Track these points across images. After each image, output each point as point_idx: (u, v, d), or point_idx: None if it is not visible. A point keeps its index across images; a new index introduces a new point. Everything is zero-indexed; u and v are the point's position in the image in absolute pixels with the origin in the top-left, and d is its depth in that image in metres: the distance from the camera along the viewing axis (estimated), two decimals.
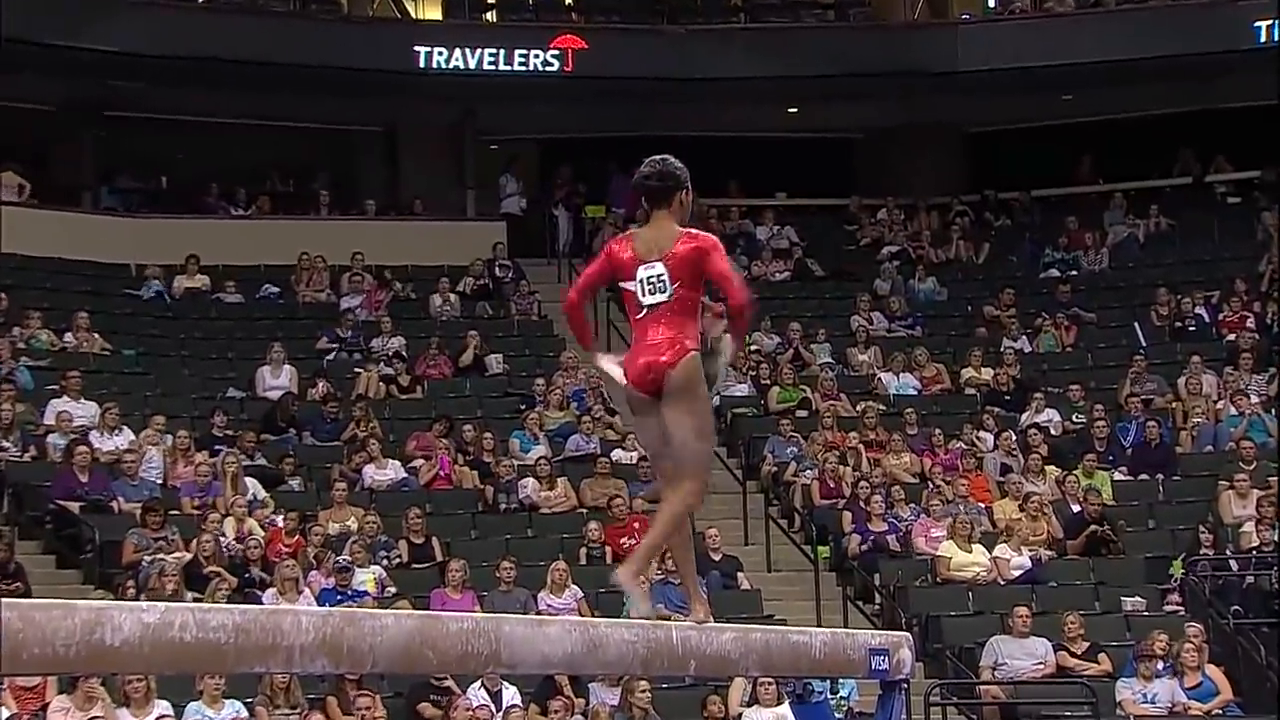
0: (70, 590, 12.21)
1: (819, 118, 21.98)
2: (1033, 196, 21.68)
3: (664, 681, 11.34)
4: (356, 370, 16.74)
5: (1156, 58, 19.98)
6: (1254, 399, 16.05)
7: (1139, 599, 13.48)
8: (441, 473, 14.77)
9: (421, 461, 14.90)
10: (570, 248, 20.73)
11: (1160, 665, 12.01)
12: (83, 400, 14.90)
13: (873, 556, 13.99)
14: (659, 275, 4.67)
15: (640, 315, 4.71)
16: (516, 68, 20.36)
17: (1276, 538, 13.56)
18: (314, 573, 12.46)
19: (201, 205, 20.25)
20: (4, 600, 2.85)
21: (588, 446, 15.40)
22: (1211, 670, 12.12)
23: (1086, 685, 11.90)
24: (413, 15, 20.80)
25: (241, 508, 13.31)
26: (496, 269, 19.32)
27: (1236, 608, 12.96)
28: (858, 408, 16.25)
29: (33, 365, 15.60)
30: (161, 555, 12.39)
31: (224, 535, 12.91)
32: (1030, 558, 13.72)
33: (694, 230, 4.78)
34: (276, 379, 16.28)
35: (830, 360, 17.57)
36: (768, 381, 16.83)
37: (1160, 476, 15.34)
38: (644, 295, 4.69)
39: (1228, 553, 13.81)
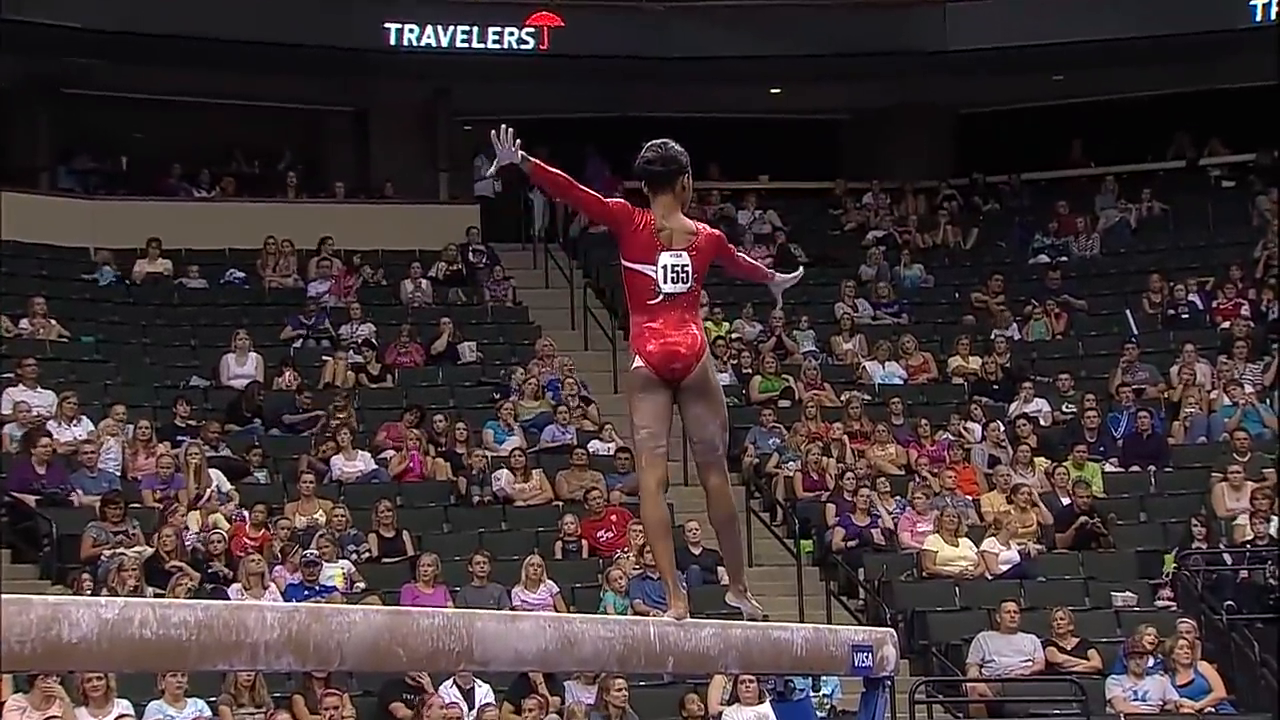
0: (26, 586, 12.14)
1: (803, 98, 21.99)
2: (1022, 180, 21.73)
3: (642, 679, 11.36)
4: (325, 358, 16.70)
5: (1150, 37, 20.04)
6: (1248, 388, 16.12)
7: (1130, 594, 13.55)
8: (412, 465, 14.75)
9: (392, 453, 14.88)
10: (546, 232, 20.72)
11: (1150, 662, 12.07)
12: (39, 389, 14.84)
13: (857, 550, 14.03)
14: (684, 265, 4.89)
15: (655, 301, 4.89)
16: (491, 46, 20.32)
17: (1271, 531, 13.63)
18: (279, 568, 12.43)
19: (163, 187, 20.16)
20: None
21: (564, 437, 15.40)
22: (1204, 667, 12.19)
23: (1076, 683, 11.95)
24: None
25: (205, 501, 13.28)
26: (470, 254, 19.29)
27: (1230, 603, 13.02)
28: (842, 397, 16.28)
29: None
30: (121, 550, 12.35)
31: (187, 529, 12.87)
32: (1019, 552, 13.77)
33: (700, 223, 5.06)
34: (242, 367, 16.23)
35: (814, 349, 17.60)
36: (749, 370, 16.85)
37: (1152, 468, 15.40)
38: (665, 282, 4.88)
39: (1221, 546, 13.88)
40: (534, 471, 14.67)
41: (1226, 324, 17.54)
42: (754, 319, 17.89)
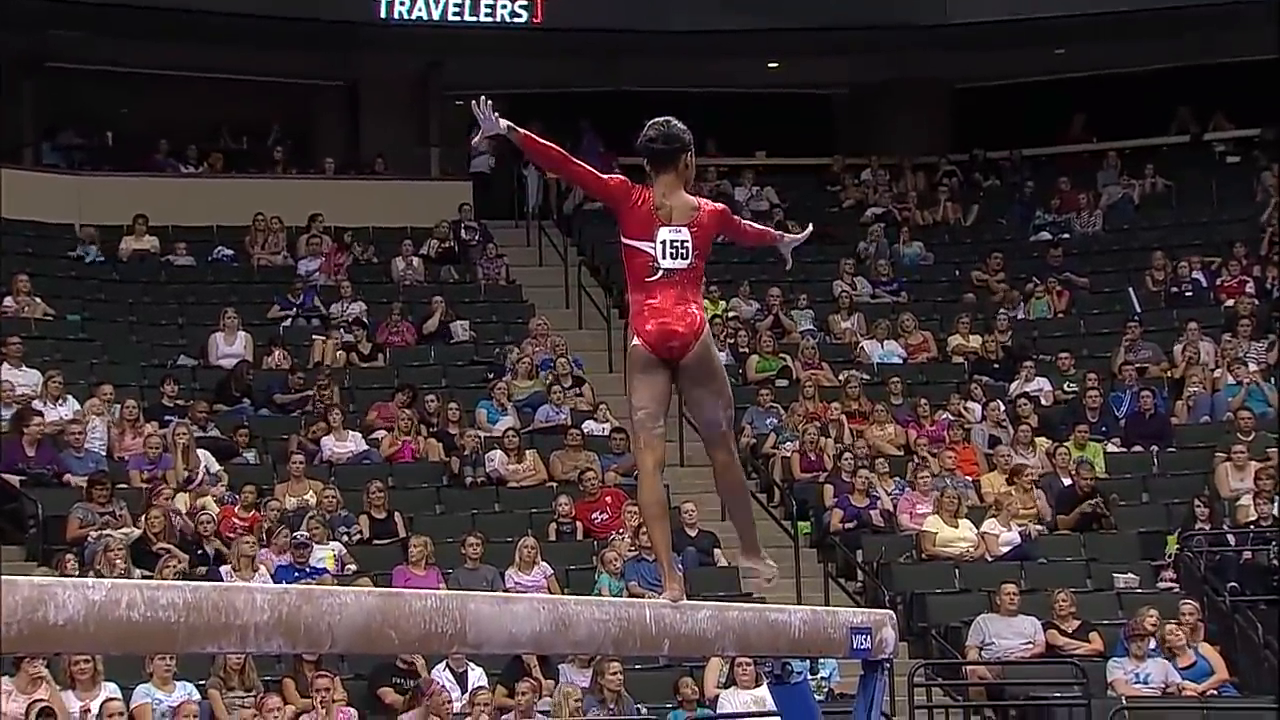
0: (12, 568, 12.14)
1: (801, 73, 21.95)
2: (1023, 155, 21.71)
3: (637, 662, 11.38)
4: (314, 337, 16.68)
5: (1153, 9, 20.02)
6: (1253, 367, 16.13)
7: (1132, 576, 13.57)
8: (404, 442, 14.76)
9: (383, 433, 14.88)
10: (540, 209, 20.69)
11: (1152, 644, 12.09)
12: (24, 368, 14.81)
13: (855, 532, 14.04)
14: (684, 241, 4.92)
15: (653, 278, 4.92)
16: (483, 18, 20.27)
17: (1275, 511, 13.64)
18: (266, 550, 12.42)
19: (150, 163, 20.10)
20: None
21: (558, 417, 15.40)
22: (1206, 649, 12.21)
23: (1077, 665, 11.97)
24: None
25: (197, 484, 13.27)
26: (462, 231, 19.26)
27: (1233, 584, 13.04)
28: (840, 377, 16.28)
29: None
30: (108, 531, 12.35)
31: (175, 510, 12.86)
32: (1019, 533, 13.79)
33: (703, 199, 5.07)
34: (230, 346, 16.21)
35: (811, 327, 17.59)
36: (746, 350, 16.84)
37: (1155, 448, 15.41)
38: (664, 258, 4.90)
39: (1224, 527, 13.89)
40: (528, 452, 14.67)
41: (1230, 302, 17.54)
42: (751, 298, 17.88)
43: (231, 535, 12.58)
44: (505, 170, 21.14)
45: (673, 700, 11.45)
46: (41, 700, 9.91)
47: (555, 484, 14.48)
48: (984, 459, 15.02)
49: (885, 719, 9.96)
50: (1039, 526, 14.10)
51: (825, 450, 14.90)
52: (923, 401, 15.68)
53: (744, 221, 5.32)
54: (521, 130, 4.92)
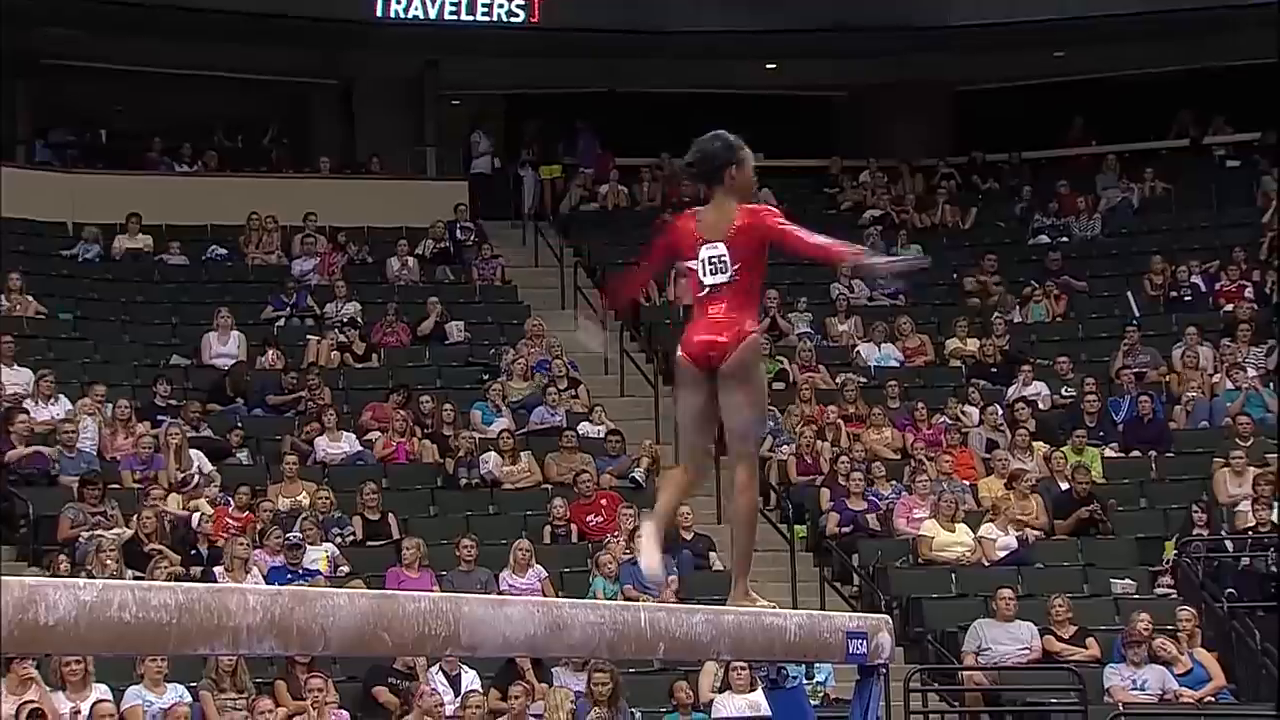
0: (3, 568, 12.13)
1: (799, 74, 21.97)
2: (1022, 158, 21.72)
3: (632, 666, 11.37)
4: (309, 337, 16.67)
5: (1153, 13, 20.04)
6: (1251, 372, 16.14)
7: (1129, 581, 13.57)
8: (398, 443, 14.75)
9: (377, 434, 14.87)
10: (536, 210, 20.69)
11: (1145, 650, 12.08)
12: (16, 366, 14.80)
13: (851, 536, 14.04)
14: (720, 256, 4.95)
15: (702, 294, 4.98)
16: (480, 17, 20.28)
17: (1274, 518, 13.65)
18: (259, 551, 12.41)
19: (143, 161, 20.10)
20: None
21: (553, 419, 15.39)
22: (1203, 655, 12.21)
23: (1074, 671, 11.97)
24: None
25: (192, 486, 13.26)
26: (458, 231, 19.25)
27: (1231, 591, 13.05)
28: (837, 380, 16.28)
29: None
30: (100, 531, 12.34)
31: (167, 510, 12.85)
32: (1016, 538, 13.79)
33: (752, 206, 5.07)
34: (224, 346, 16.20)
35: (808, 330, 17.59)
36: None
37: (1153, 453, 15.42)
38: (705, 275, 4.97)
39: (1222, 533, 13.90)
40: (522, 454, 14.66)
41: (1230, 306, 17.55)
42: None
43: (224, 536, 12.57)
44: (502, 171, 21.16)
45: (668, 704, 11.44)
46: (32, 701, 9.90)
47: (550, 486, 14.47)
48: (981, 463, 15.02)
49: None
50: (1036, 531, 14.10)
51: (822, 453, 14.90)
52: (920, 405, 15.69)
53: (797, 231, 5.07)
54: (617, 296, 5.17)
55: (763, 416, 5.08)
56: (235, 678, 10.83)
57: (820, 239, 5.10)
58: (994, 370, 16.78)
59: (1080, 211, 20.26)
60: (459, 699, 10.92)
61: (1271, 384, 16.12)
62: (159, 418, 14.40)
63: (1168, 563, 13.74)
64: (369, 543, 13.40)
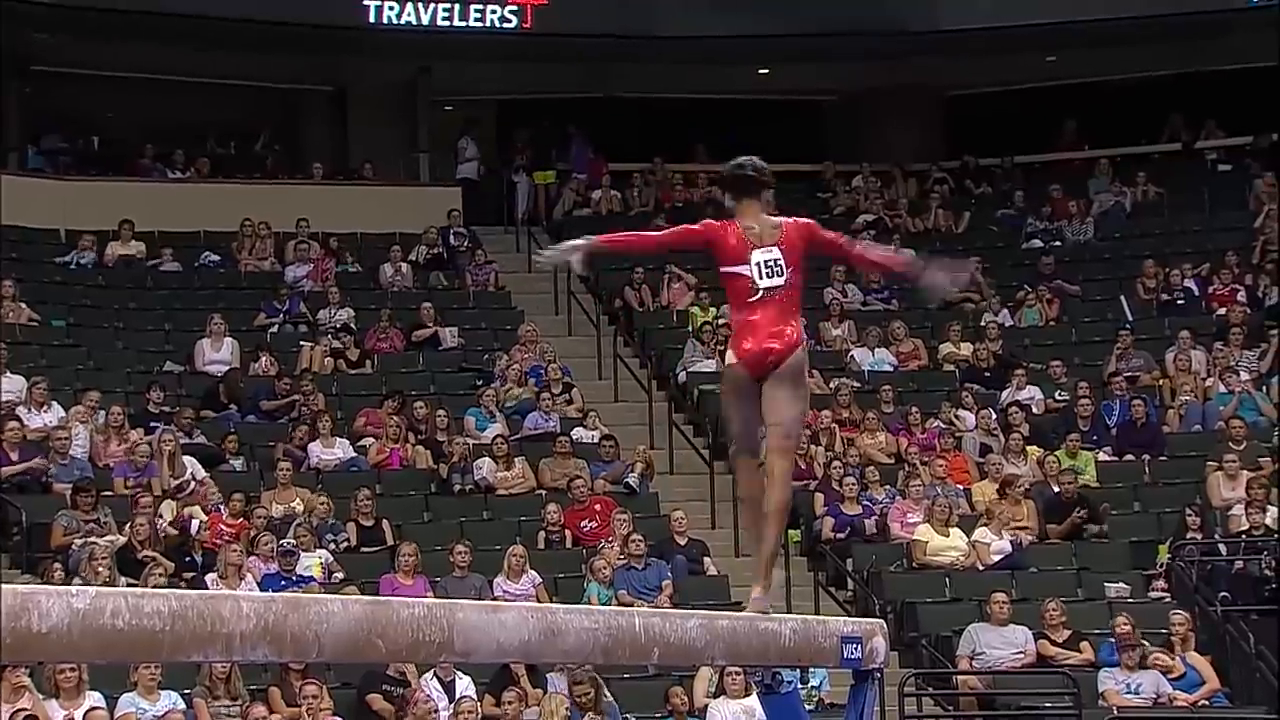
0: None
1: (791, 79, 21.97)
2: (1015, 163, 21.74)
3: (626, 671, 11.37)
4: (302, 344, 16.66)
5: (1145, 17, 20.06)
6: (1244, 376, 16.16)
7: (1123, 585, 13.56)
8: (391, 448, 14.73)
9: (371, 440, 14.85)
10: (529, 215, 20.69)
11: (1139, 655, 12.08)
12: (9, 374, 14.77)
13: (846, 541, 14.04)
14: (775, 259, 5.18)
15: (754, 298, 5.17)
16: (473, 23, 20.27)
17: (1267, 521, 13.66)
18: (253, 558, 12.39)
19: (136, 167, 20.08)
20: None
21: (547, 425, 15.38)
22: (1196, 659, 12.21)
23: (1068, 675, 11.98)
24: None
25: (189, 493, 13.24)
26: (451, 237, 19.25)
27: (1224, 594, 13.05)
28: (830, 385, 16.28)
29: None
30: (93, 539, 12.31)
31: (160, 517, 12.83)
32: (1010, 542, 13.79)
33: (784, 217, 5.32)
34: (217, 352, 16.19)
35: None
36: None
37: (1146, 457, 15.43)
38: (760, 278, 5.16)
39: (1216, 537, 13.91)
40: (516, 459, 14.65)
41: (1223, 310, 17.58)
42: None
43: (218, 543, 12.55)
44: (494, 176, 21.16)
45: (662, 710, 11.43)
46: (25, 710, 9.88)
47: (544, 492, 14.46)
48: (975, 467, 15.02)
49: None
50: (1029, 536, 14.10)
51: (816, 458, 14.89)
52: (913, 409, 15.69)
53: (844, 240, 5.45)
54: (595, 240, 5.35)
55: (805, 417, 5.26)
56: (229, 685, 10.81)
57: (875, 252, 5.45)
58: (987, 374, 16.79)
59: (1072, 215, 20.29)
60: (453, 705, 10.90)
61: (1264, 387, 16.14)
62: (152, 425, 14.38)
63: (1161, 566, 13.74)
64: (363, 549, 13.39)
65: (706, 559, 13.72)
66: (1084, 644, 12.51)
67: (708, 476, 15.02)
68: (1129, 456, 15.46)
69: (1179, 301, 18.14)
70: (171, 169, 20.23)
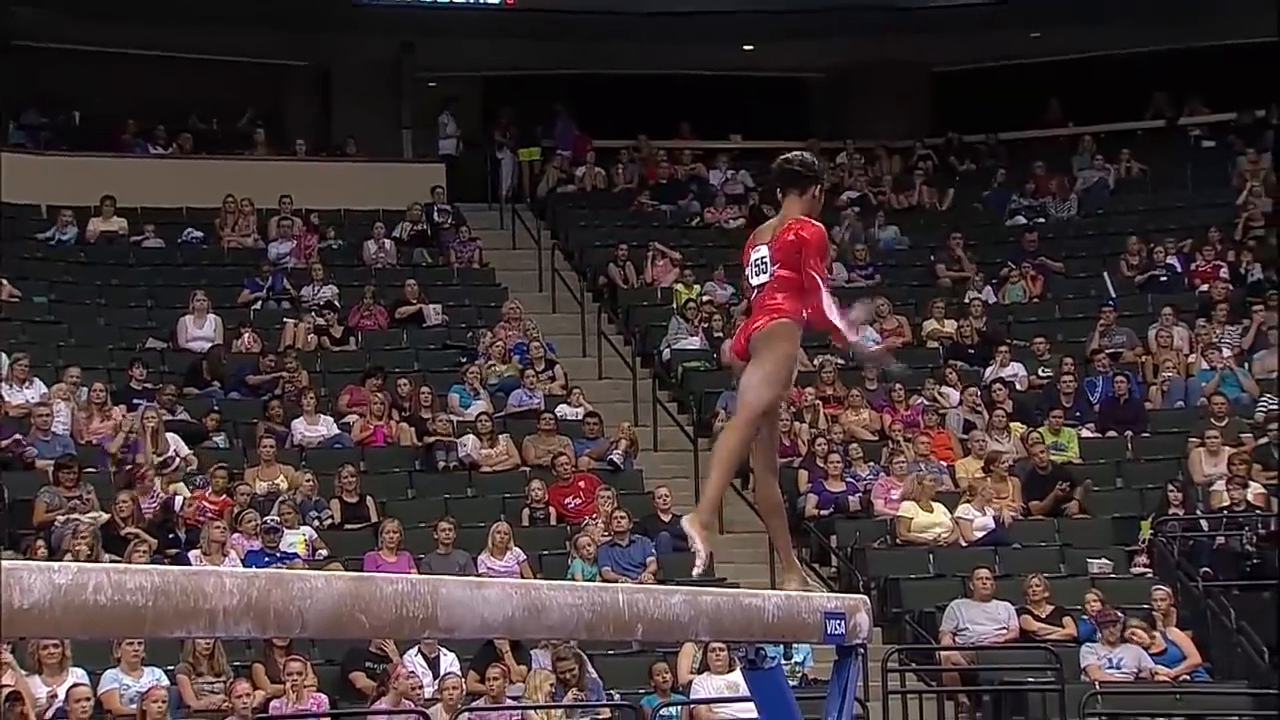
0: None
1: (776, 56, 21.94)
2: (999, 140, 21.75)
3: (610, 647, 11.38)
4: (285, 320, 16.62)
5: None
6: (1226, 352, 16.21)
7: (1106, 561, 13.62)
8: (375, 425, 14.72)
9: (355, 417, 14.83)
10: (513, 192, 20.65)
11: (1119, 630, 12.12)
12: None
13: (830, 517, 14.07)
14: (762, 257, 5.26)
15: (752, 296, 5.33)
16: (456, 0, 20.19)
17: (1248, 497, 13.72)
18: (235, 534, 12.38)
19: (118, 143, 19.99)
20: None
21: (531, 402, 15.38)
22: (1176, 634, 12.27)
23: (1051, 650, 12.02)
24: None
25: (172, 469, 13.21)
26: (435, 214, 19.20)
27: (1206, 570, 13.11)
28: (815, 362, 16.28)
29: None
30: (76, 515, 12.29)
31: (155, 494, 12.80)
32: (994, 518, 13.83)
33: (805, 220, 5.26)
34: (200, 329, 16.15)
35: None
36: (720, 334, 16.84)
37: (1129, 433, 15.48)
38: (753, 276, 5.27)
39: (1198, 513, 13.96)
40: (501, 436, 14.65)
41: (1205, 287, 17.62)
42: (726, 281, 17.88)
43: (201, 520, 12.53)
44: (479, 153, 21.11)
45: (646, 685, 11.45)
46: (7, 686, 9.87)
47: (528, 469, 14.46)
48: (959, 444, 15.05)
49: (859, 704, 9.99)
50: (1014, 512, 14.14)
51: (800, 435, 14.91)
52: (897, 386, 15.71)
53: (810, 273, 5.18)
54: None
55: (769, 377, 5.17)
56: (213, 661, 10.81)
57: (833, 315, 5.22)
58: (971, 351, 16.81)
59: (1056, 192, 20.30)
60: (437, 681, 10.92)
61: (1246, 364, 16.19)
62: (135, 401, 14.34)
63: (1144, 542, 13.80)
64: (347, 526, 13.38)
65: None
66: (1066, 619, 12.56)
67: (692, 454, 15.03)
68: (1111, 433, 15.51)
69: (1162, 278, 18.18)
70: (154, 145, 20.15)
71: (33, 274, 17.14)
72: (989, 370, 16.31)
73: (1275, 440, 14.50)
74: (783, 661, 5.50)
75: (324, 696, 10.83)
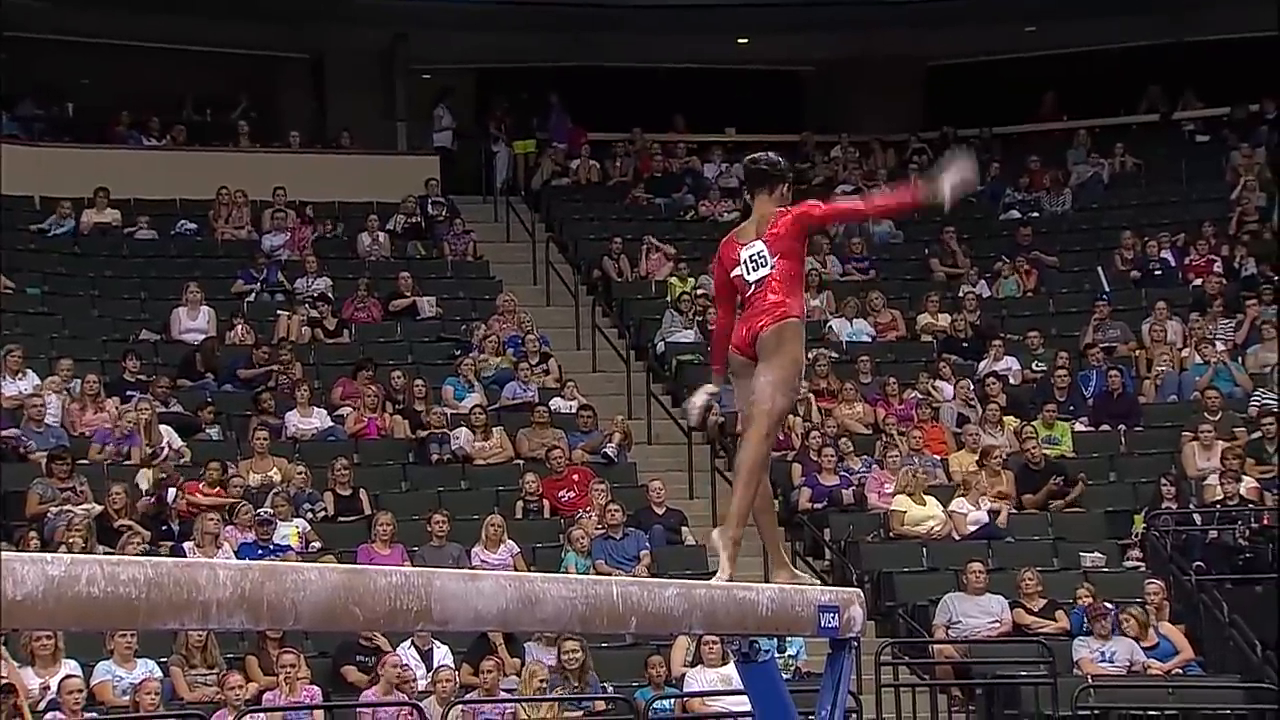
0: None
1: (770, 49, 21.93)
2: (994, 133, 21.75)
3: (604, 640, 11.39)
4: (279, 313, 16.60)
5: None
6: (1220, 346, 16.23)
7: (1099, 555, 13.64)
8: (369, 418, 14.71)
9: (348, 409, 14.82)
10: (508, 185, 20.64)
11: (1110, 623, 12.14)
12: None
13: (823, 511, 14.08)
14: (759, 252, 5.25)
15: (749, 293, 5.28)
16: None
17: (1241, 491, 13.74)
18: (229, 527, 12.37)
19: (111, 135, 19.95)
20: None
21: (525, 394, 15.37)
22: (1168, 629, 12.28)
23: (1043, 644, 12.04)
24: None
25: (162, 460, 13.20)
26: (429, 206, 19.18)
27: (1199, 564, 13.13)
28: (809, 355, 16.29)
29: None
30: (69, 507, 12.28)
31: (139, 487, 12.79)
32: (988, 511, 13.84)
33: (784, 208, 5.37)
34: (193, 321, 16.13)
35: None
36: (715, 328, 16.84)
37: (1122, 427, 15.49)
38: (749, 273, 5.25)
39: (1191, 507, 13.98)
40: (494, 429, 14.64)
41: (1199, 281, 17.63)
42: None
43: (195, 512, 12.52)
44: (473, 145, 21.08)
45: (640, 678, 11.46)
46: (0, 678, 9.86)
47: (522, 461, 14.46)
48: (952, 438, 15.06)
49: (852, 698, 10.00)
50: (1008, 506, 14.14)
51: (794, 429, 14.91)
52: (891, 380, 15.72)
53: (837, 205, 5.49)
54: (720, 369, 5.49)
55: (784, 381, 5.22)
56: (206, 653, 10.80)
57: (889, 197, 5.45)
58: (965, 345, 16.82)
59: (1050, 186, 20.31)
60: (430, 674, 10.92)
61: (1240, 358, 16.20)
62: (128, 393, 14.33)
63: (1137, 536, 13.81)
64: (340, 518, 13.37)
65: (684, 529, 13.74)
66: (1059, 613, 12.57)
67: (685, 447, 15.04)
68: (1105, 427, 15.52)
69: (1156, 272, 18.19)
70: (147, 136, 20.11)
71: (26, 265, 17.12)
72: (983, 364, 16.32)
73: (1268, 434, 14.51)
74: (776, 655, 5.51)
75: (317, 688, 10.82)
